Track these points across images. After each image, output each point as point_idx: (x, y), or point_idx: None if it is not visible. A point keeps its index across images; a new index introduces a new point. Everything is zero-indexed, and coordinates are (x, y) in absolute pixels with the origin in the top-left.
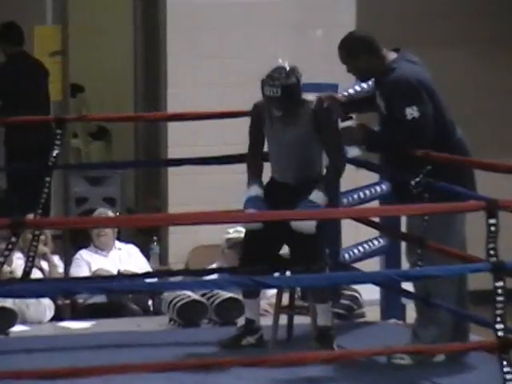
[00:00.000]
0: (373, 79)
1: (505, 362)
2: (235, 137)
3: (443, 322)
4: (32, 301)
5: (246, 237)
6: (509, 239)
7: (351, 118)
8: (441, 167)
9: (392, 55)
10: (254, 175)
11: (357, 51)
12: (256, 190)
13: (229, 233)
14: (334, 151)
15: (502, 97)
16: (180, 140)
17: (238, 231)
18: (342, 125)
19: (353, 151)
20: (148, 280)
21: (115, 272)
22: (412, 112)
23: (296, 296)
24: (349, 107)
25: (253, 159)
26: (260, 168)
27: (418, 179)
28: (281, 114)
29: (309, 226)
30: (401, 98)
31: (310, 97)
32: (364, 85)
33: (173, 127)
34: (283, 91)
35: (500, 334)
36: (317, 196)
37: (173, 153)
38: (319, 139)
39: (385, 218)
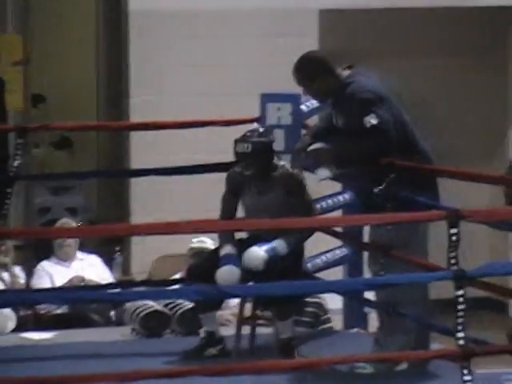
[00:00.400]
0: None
1: (465, 371)
2: (199, 146)
3: (408, 331)
4: None
5: (206, 258)
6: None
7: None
8: (404, 176)
9: (346, 72)
10: (226, 237)
11: (313, 73)
12: (228, 249)
13: (193, 242)
14: (304, 216)
15: (477, 106)
16: (143, 150)
17: (201, 241)
18: (310, 148)
19: (323, 173)
20: (111, 290)
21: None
22: (370, 120)
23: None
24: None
25: None
26: (232, 233)
27: (381, 187)
28: (251, 173)
29: (257, 262)
30: (357, 108)
31: (283, 162)
32: None
33: (136, 137)
34: (254, 147)
35: (461, 342)
36: (278, 243)
37: (135, 162)
38: (292, 203)
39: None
